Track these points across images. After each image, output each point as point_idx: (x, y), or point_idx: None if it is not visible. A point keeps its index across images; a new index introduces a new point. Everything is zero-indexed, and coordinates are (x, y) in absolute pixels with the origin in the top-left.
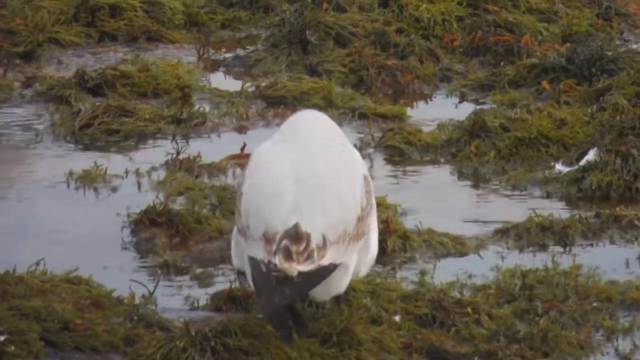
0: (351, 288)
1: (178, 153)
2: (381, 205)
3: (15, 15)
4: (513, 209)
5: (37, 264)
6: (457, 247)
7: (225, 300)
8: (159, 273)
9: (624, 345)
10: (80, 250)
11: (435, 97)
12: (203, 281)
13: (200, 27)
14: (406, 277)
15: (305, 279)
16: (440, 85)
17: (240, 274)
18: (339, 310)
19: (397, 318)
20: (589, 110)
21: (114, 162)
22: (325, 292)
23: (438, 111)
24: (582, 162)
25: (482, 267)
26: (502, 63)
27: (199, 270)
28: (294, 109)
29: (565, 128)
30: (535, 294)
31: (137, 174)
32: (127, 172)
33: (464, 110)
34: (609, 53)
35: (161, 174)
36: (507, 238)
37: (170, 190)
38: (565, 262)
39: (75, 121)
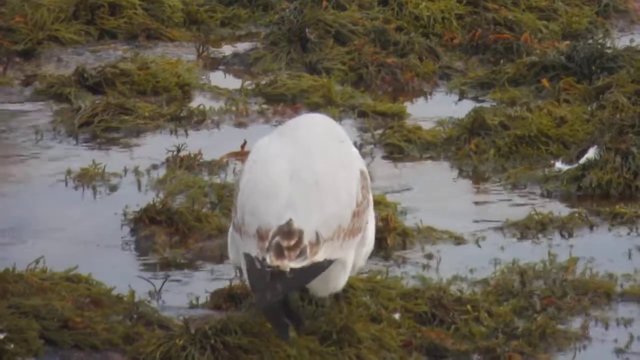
0: (351, 286)
1: (179, 150)
2: (381, 203)
3: (14, 13)
4: (513, 207)
5: (37, 262)
6: (456, 244)
7: (225, 298)
8: (161, 271)
9: (622, 338)
10: (80, 248)
11: (435, 95)
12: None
13: (199, 25)
14: (406, 273)
15: (298, 275)
16: (440, 83)
17: (238, 269)
18: (338, 308)
19: (396, 316)
20: (589, 108)
21: (113, 160)
22: (324, 287)
23: (438, 109)
24: (582, 160)
25: (481, 263)
26: (501, 61)
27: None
28: (293, 107)
29: (565, 126)
30: (534, 291)
31: (137, 172)
32: (126, 170)
33: (464, 108)
34: (609, 51)
35: (161, 172)
36: (506, 234)
37: (170, 188)
38: (563, 254)
39: (75, 119)
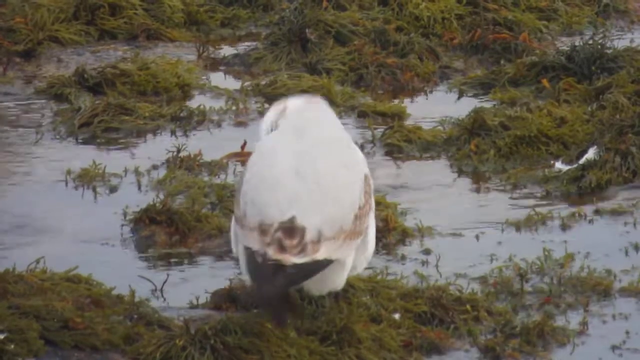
0: (351, 286)
1: (179, 151)
2: (381, 203)
3: (15, 14)
4: (513, 207)
5: (37, 262)
6: (456, 243)
7: (225, 299)
8: (161, 271)
9: (620, 334)
10: (80, 248)
11: (434, 95)
12: None
13: (199, 26)
14: (405, 273)
15: (299, 271)
16: (440, 83)
17: (237, 259)
18: (338, 308)
19: (396, 316)
20: (589, 109)
21: (114, 160)
22: (321, 286)
23: (437, 109)
24: (582, 161)
25: (480, 261)
26: (501, 61)
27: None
28: None
29: (565, 126)
30: (532, 289)
31: (137, 172)
32: (126, 170)
33: (464, 108)
34: (609, 51)
35: (161, 172)
36: (506, 232)
37: (170, 188)
38: (562, 251)
39: (75, 119)
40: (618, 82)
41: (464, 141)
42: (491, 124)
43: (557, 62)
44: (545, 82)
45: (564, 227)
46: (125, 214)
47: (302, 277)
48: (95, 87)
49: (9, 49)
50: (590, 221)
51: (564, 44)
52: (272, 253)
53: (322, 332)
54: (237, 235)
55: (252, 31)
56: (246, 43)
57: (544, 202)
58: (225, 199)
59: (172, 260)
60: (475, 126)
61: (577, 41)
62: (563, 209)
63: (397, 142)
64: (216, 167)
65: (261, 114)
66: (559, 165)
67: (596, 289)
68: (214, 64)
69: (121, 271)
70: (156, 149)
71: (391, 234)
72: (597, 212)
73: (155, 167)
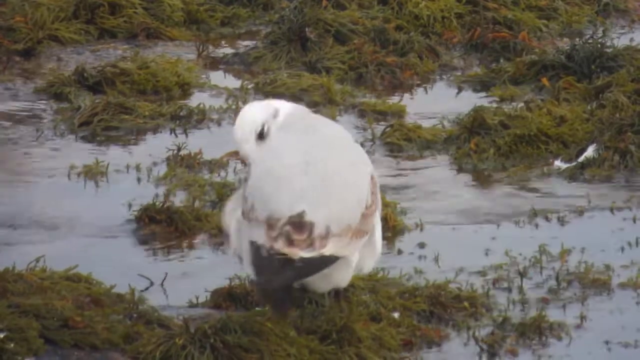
0: (351, 284)
1: (179, 149)
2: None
3: (14, 13)
4: (513, 206)
5: (37, 260)
6: (456, 242)
7: (225, 297)
8: (161, 270)
9: (617, 329)
10: (80, 247)
11: (434, 93)
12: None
13: (199, 25)
14: (405, 271)
15: (307, 265)
16: (440, 82)
17: (238, 258)
18: (338, 307)
19: (395, 315)
20: (589, 108)
21: (113, 159)
22: (326, 283)
23: (437, 107)
24: (581, 159)
25: (479, 258)
26: (500, 60)
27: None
28: None
29: (565, 125)
30: (531, 284)
31: (137, 170)
32: (126, 169)
33: (463, 106)
34: (609, 50)
35: (161, 171)
36: (505, 230)
37: (170, 187)
38: (559, 247)
39: (75, 118)
40: (618, 81)
41: (463, 140)
42: (491, 123)
43: (556, 61)
44: (545, 80)
45: (563, 223)
46: (125, 213)
47: (309, 272)
48: (95, 86)
49: (9, 47)
50: (589, 217)
51: (565, 43)
52: (280, 246)
53: (322, 331)
54: (242, 230)
55: (252, 30)
56: (246, 42)
57: (542, 199)
58: (226, 197)
59: (172, 258)
60: (475, 125)
61: (577, 40)
62: (562, 206)
63: (397, 141)
64: (216, 165)
65: None
66: (558, 163)
67: (594, 284)
68: (214, 63)
69: (121, 270)
70: (156, 147)
71: (391, 232)
72: (594, 208)
73: (155, 166)
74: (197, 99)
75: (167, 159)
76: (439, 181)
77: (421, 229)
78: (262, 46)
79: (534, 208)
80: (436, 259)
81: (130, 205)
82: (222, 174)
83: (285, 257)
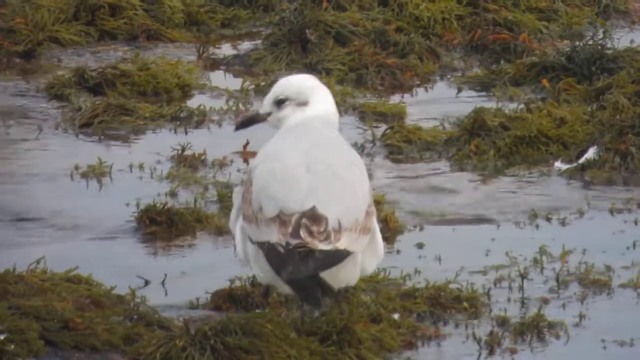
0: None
1: (183, 149)
2: (380, 203)
3: (15, 15)
4: (513, 205)
5: (38, 262)
6: (456, 241)
7: (225, 299)
8: (161, 271)
9: (615, 328)
10: (80, 248)
11: (434, 94)
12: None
13: (200, 26)
14: (406, 272)
15: (326, 257)
16: (440, 83)
17: (244, 262)
18: (339, 308)
19: (396, 316)
20: (589, 109)
21: (114, 160)
22: (337, 280)
23: (437, 109)
24: (582, 160)
25: (480, 258)
26: (501, 61)
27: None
28: None
29: (565, 127)
30: (531, 284)
31: (137, 172)
32: (127, 170)
33: (464, 107)
34: (609, 52)
35: (162, 172)
36: (506, 230)
37: (171, 188)
38: (560, 247)
39: (76, 120)
40: (618, 82)
41: (464, 142)
42: (491, 125)
43: (557, 63)
44: (545, 82)
45: (563, 224)
46: (126, 214)
47: (328, 265)
48: (95, 87)
49: (9, 49)
50: (589, 219)
51: (565, 45)
52: (304, 237)
53: (322, 333)
54: (247, 235)
55: (252, 31)
56: (246, 43)
57: (543, 200)
58: (227, 199)
59: (172, 260)
60: (475, 126)
61: (577, 42)
62: (562, 207)
63: (397, 143)
64: (218, 165)
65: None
66: (558, 164)
67: (595, 284)
68: (214, 65)
69: (121, 271)
70: (156, 148)
71: (391, 232)
72: (595, 209)
73: (155, 167)
74: (198, 101)
75: (168, 160)
76: (439, 182)
77: (421, 229)
78: (263, 48)
79: (534, 209)
80: (436, 260)
81: (131, 206)
82: (224, 174)
83: (306, 250)
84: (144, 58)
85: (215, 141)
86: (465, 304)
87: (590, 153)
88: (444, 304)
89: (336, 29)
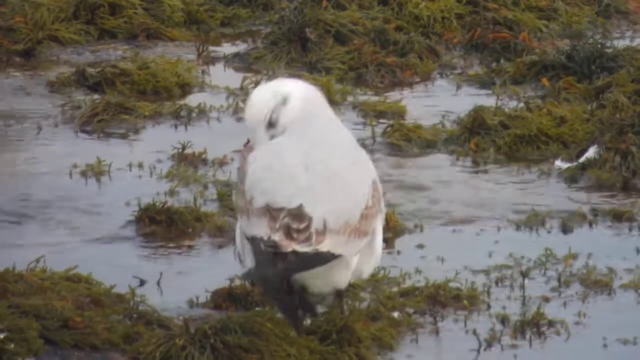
0: (351, 284)
1: (183, 148)
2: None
3: (14, 13)
4: (513, 205)
5: (37, 261)
6: (456, 242)
7: (225, 298)
8: (161, 270)
9: (616, 327)
10: (80, 248)
11: (434, 92)
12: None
13: (199, 25)
14: (406, 270)
15: (301, 260)
16: (440, 82)
17: (243, 261)
18: (339, 308)
19: (395, 314)
20: (589, 108)
21: (113, 159)
22: (323, 283)
23: (437, 108)
24: (582, 159)
25: (481, 258)
26: (501, 60)
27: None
28: None
29: (565, 125)
30: (532, 284)
31: (137, 170)
32: (127, 168)
33: (464, 107)
34: (609, 50)
35: (161, 171)
36: (506, 230)
37: (171, 187)
38: (561, 248)
39: (75, 119)
40: (618, 81)
41: (464, 140)
42: (491, 123)
43: (557, 61)
44: (545, 80)
45: (565, 228)
46: (125, 213)
47: (303, 267)
48: (95, 86)
49: (9, 48)
50: (591, 222)
51: (565, 44)
52: (279, 238)
53: (322, 331)
54: (242, 228)
55: (252, 30)
56: (246, 42)
57: (543, 201)
58: (226, 198)
59: (172, 259)
60: (475, 125)
61: (577, 41)
62: (562, 209)
63: (397, 141)
64: (218, 164)
65: None
66: (558, 163)
67: (596, 285)
68: (214, 64)
69: (121, 270)
70: (156, 147)
71: (391, 232)
72: (596, 211)
73: (155, 166)
74: (197, 100)
75: (168, 158)
76: (439, 182)
77: (421, 230)
78: (263, 46)
79: (534, 209)
80: (436, 260)
81: (131, 205)
82: (224, 173)
83: (277, 250)
84: (143, 57)
85: (215, 139)
86: (465, 302)
87: (591, 152)
88: (443, 303)
89: (336, 28)
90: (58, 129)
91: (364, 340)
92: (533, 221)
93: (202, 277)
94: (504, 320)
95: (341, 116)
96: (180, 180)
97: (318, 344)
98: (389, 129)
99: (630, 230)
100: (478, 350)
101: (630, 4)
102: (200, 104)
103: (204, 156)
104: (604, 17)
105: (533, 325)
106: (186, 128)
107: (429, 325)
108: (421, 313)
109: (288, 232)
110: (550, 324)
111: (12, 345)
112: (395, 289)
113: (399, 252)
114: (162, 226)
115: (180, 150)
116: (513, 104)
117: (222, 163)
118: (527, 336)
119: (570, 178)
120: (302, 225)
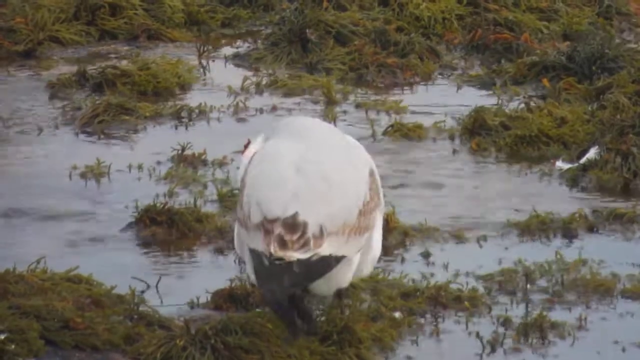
0: (352, 285)
1: (183, 149)
2: None
3: (15, 14)
4: (512, 205)
5: (38, 262)
6: (457, 242)
7: (226, 299)
8: (162, 271)
9: (619, 331)
10: (80, 248)
11: (435, 93)
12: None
13: (200, 26)
14: (406, 271)
15: (305, 268)
16: (441, 83)
17: (242, 262)
18: (340, 308)
19: (396, 315)
20: (590, 109)
21: (114, 160)
22: (327, 285)
23: (438, 108)
24: (583, 160)
25: (483, 260)
26: (502, 61)
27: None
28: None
29: (566, 126)
30: (535, 288)
31: (137, 171)
32: (127, 169)
33: (464, 108)
34: (610, 51)
35: (162, 172)
36: (507, 231)
37: (171, 187)
38: (568, 255)
39: (76, 120)
40: (619, 82)
41: (464, 140)
42: (491, 124)
43: (557, 62)
44: (545, 81)
45: (567, 231)
46: (126, 213)
47: (309, 276)
48: (95, 87)
49: (10, 49)
50: (594, 227)
51: (566, 46)
52: (274, 250)
53: (323, 332)
54: (242, 237)
55: (252, 31)
56: (247, 43)
57: (543, 200)
58: (227, 198)
59: (172, 260)
60: (475, 126)
61: (578, 42)
62: (564, 212)
63: (397, 141)
64: (218, 165)
65: (261, 112)
66: (559, 164)
67: (598, 289)
68: (214, 64)
69: (121, 271)
70: (156, 148)
71: (392, 234)
72: (597, 213)
73: (155, 167)
74: (198, 100)
75: (169, 159)
76: (439, 182)
77: (422, 232)
78: (263, 47)
79: (534, 209)
80: (436, 261)
81: (131, 206)
82: (224, 173)
83: (283, 263)
84: (144, 58)
85: (215, 140)
86: (466, 303)
87: (592, 153)
88: (444, 304)
89: (336, 29)
90: (59, 130)
91: (365, 341)
92: (534, 223)
93: (202, 278)
94: (505, 322)
95: (341, 116)
96: (179, 180)
97: (318, 344)
98: (389, 129)
99: (633, 233)
100: (481, 355)
101: (632, 6)
102: (200, 104)
103: (203, 157)
104: (605, 18)
105: (536, 329)
106: (187, 128)
107: (430, 326)
108: (422, 314)
109: (282, 243)
110: (553, 326)
111: (13, 346)
112: (396, 291)
113: (398, 253)
114: (162, 227)
115: (179, 151)
116: (514, 104)
117: (222, 164)
118: (530, 340)
119: (572, 179)
120: (296, 235)
